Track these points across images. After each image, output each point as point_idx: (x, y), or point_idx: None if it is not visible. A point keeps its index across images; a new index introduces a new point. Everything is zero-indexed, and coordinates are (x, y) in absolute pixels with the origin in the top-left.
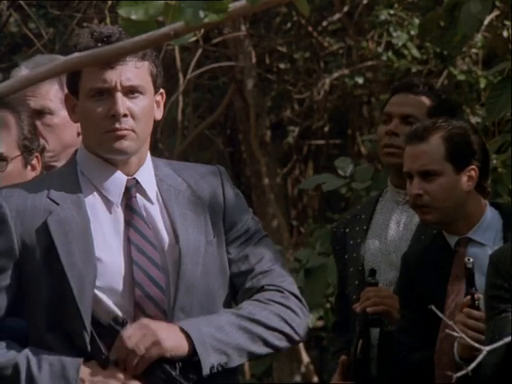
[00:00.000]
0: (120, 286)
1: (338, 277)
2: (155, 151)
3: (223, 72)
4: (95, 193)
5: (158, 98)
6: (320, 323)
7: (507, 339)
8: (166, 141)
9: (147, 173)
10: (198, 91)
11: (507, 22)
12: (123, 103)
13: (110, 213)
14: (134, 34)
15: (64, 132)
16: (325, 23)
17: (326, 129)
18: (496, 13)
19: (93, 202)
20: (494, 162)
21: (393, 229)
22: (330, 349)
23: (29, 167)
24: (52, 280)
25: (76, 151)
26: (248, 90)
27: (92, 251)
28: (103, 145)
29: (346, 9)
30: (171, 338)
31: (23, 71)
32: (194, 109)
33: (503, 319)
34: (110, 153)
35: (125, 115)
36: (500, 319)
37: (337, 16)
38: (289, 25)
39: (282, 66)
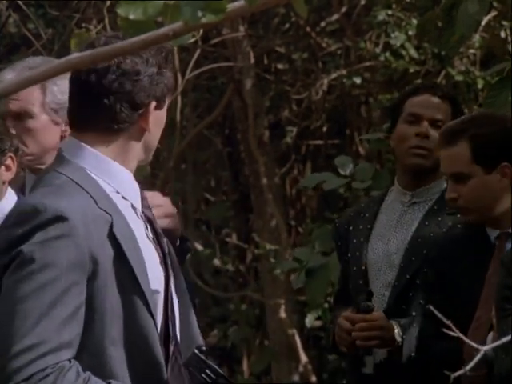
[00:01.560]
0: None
1: (340, 272)
2: (154, 151)
3: (222, 72)
4: (121, 199)
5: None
6: (318, 323)
7: (505, 338)
8: (164, 141)
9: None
10: (197, 91)
11: (505, 23)
12: None
13: (138, 218)
14: (132, 34)
15: (44, 136)
16: (323, 24)
17: (325, 129)
18: (493, 13)
19: (124, 209)
20: None
21: (396, 230)
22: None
23: (3, 167)
24: (121, 291)
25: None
26: (246, 90)
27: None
28: None
29: (343, 9)
30: None
31: (8, 74)
32: (193, 109)
33: None
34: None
35: None
36: None
37: (335, 17)
38: (287, 25)
39: (280, 66)
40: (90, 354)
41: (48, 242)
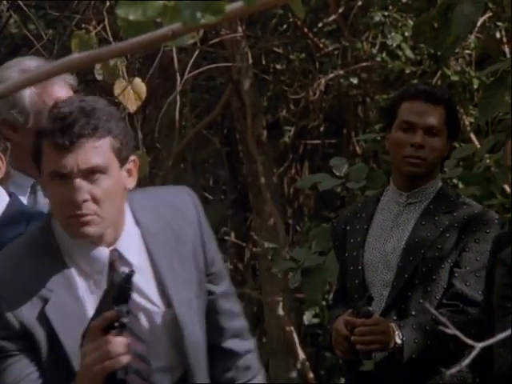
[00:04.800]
0: None
1: (339, 271)
2: (153, 151)
3: (220, 72)
4: (78, 270)
5: (130, 166)
6: (316, 320)
7: (501, 335)
8: (163, 140)
9: (128, 238)
10: (196, 91)
11: (500, 24)
12: (82, 189)
13: (93, 293)
14: (132, 35)
15: None
16: (320, 24)
17: (322, 128)
18: (489, 14)
19: (79, 281)
20: (488, 161)
21: (392, 230)
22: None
23: None
24: (54, 368)
25: (50, 215)
26: (245, 90)
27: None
28: (68, 229)
29: (340, 10)
30: None
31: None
32: (192, 109)
33: None
34: (75, 237)
35: (85, 200)
36: None
37: (332, 17)
38: (285, 26)
39: (278, 66)
40: None
41: None
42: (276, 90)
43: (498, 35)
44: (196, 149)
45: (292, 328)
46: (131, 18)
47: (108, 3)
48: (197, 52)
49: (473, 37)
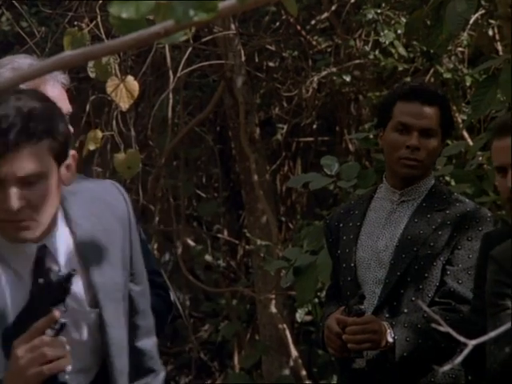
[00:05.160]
0: None
1: (332, 268)
2: (146, 148)
3: (213, 70)
4: (3, 265)
5: (69, 161)
6: (308, 318)
7: (493, 333)
8: (156, 138)
9: (58, 235)
10: (188, 89)
11: (492, 21)
12: (17, 196)
13: (15, 286)
14: (125, 33)
15: None
16: (313, 22)
17: (315, 126)
18: (481, 11)
19: (1, 271)
20: (480, 158)
21: (385, 227)
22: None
23: None
24: None
25: None
26: (237, 87)
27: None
28: (4, 233)
29: (333, 8)
30: None
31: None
32: (184, 106)
33: (508, 316)
34: (12, 241)
35: (21, 207)
36: (505, 316)
37: (325, 15)
38: (278, 24)
39: (271, 64)
40: None
41: None
42: (269, 88)
43: (490, 32)
44: (189, 146)
45: (285, 326)
46: (124, 15)
47: (101, 1)
48: (189, 50)
49: (465, 34)
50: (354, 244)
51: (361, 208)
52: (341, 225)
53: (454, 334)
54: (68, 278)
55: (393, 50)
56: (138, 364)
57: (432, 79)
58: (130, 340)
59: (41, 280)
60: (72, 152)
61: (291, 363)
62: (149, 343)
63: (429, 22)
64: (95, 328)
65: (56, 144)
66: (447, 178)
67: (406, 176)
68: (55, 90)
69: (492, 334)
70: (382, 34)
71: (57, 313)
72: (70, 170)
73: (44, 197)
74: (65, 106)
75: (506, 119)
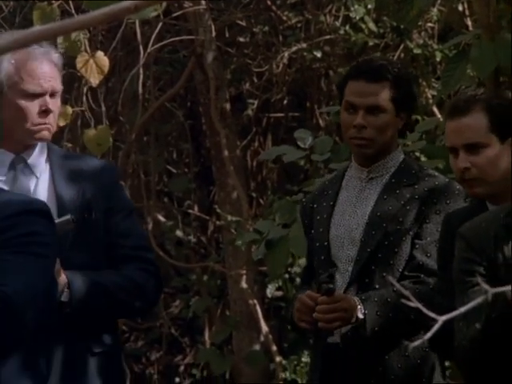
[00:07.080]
0: None
1: (307, 250)
2: (116, 123)
3: (183, 45)
4: None
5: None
6: (279, 293)
7: (462, 309)
8: (127, 113)
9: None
10: (159, 64)
11: None
12: None
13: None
14: (95, 8)
15: None
16: None
17: (285, 102)
18: None
19: None
20: None
21: (356, 206)
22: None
23: None
24: None
25: None
26: (208, 63)
27: None
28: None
29: None
30: None
31: None
32: (155, 82)
33: (476, 292)
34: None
35: None
36: (473, 292)
37: None
38: None
39: (241, 39)
40: None
41: None
42: (239, 63)
43: (460, 8)
44: (159, 122)
45: (255, 301)
46: None
47: None
48: (160, 25)
49: (435, 10)
50: (328, 223)
51: (334, 187)
52: (315, 205)
53: (424, 309)
54: None
55: (363, 26)
56: None
57: (402, 55)
58: None
59: None
60: None
61: (262, 339)
62: None
63: None
64: None
65: None
66: (417, 154)
67: (360, 155)
68: (44, 66)
69: (462, 309)
70: (352, 9)
71: None
72: None
73: None
74: (55, 84)
75: (458, 99)
